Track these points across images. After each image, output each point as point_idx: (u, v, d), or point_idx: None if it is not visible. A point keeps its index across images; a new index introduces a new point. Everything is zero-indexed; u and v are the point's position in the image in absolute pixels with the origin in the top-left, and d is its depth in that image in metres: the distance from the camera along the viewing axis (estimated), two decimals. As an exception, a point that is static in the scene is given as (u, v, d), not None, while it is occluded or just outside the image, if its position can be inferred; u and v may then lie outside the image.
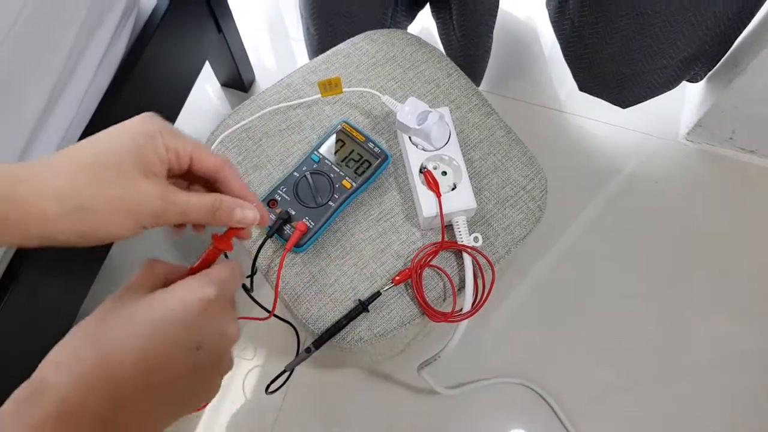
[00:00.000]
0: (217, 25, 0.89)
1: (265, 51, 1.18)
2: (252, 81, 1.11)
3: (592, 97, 1.00)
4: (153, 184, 0.34)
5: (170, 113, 0.85)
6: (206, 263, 0.39)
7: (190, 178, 0.39)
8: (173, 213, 0.35)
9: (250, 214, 0.39)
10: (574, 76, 0.99)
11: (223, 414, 0.90)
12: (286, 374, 0.62)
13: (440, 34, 1.01)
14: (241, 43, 1.00)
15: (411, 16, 1.03)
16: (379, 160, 0.62)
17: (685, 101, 1.08)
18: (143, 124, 0.35)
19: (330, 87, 0.60)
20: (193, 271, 0.38)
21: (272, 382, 0.60)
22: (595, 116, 1.10)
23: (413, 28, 1.06)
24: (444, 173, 0.61)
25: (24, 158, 0.62)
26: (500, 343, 0.94)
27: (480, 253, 0.59)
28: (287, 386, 0.91)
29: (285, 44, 1.20)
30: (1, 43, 0.56)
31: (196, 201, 0.36)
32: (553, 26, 0.99)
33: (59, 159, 0.32)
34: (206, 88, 1.12)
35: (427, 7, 1.02)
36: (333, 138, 0.63)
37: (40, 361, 0.29)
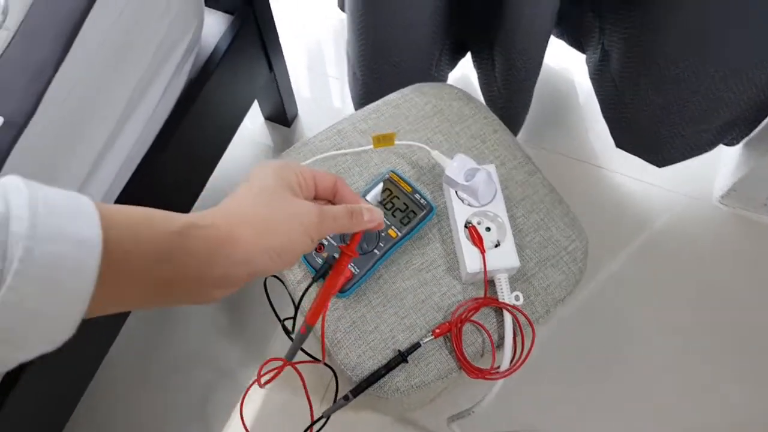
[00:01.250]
0: (269, 64, 0.92)
1: (304, 86, 1.21)
2: (295, 116, 1.14)
3: (627, 154, 1.01)
4: (304, 202, 0.39)
5: (220, 147, 0.88)
6: (339, 272, 0.47)
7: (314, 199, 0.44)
8: (328, 221, 0.40)
9: (376, 210, 0.44)
10: (612, 133, 1.00)
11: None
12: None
13: (481, 84, 1.03)
14: (289, 81, 1.03)
15: (453, 64, 1.05)
16: (425, 211, 0.64)
17: (721, 164, 1.09)
18: (272, 163, 0.40)
19: (384, 140, 0.62)
20: (328, 282, 0.47)
21: (309, 428, 0.61)
22: (629, 172, 1.11)
23: (453, 74, 1.09)
24: (488, 229, 0.62)
25: (85, 188, 0.64)
26: (526, 398, 0.94)
27: (521, 311, 0.60)
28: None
29: (324, 81, 1.23)
30: (78, 79, 0.59)
31: (338, 209, 0.41)
32: (593, 83, 1.01)
33: (230, 201, 0.37)
34: (248, 122, 1.15)
35: (468, 55, 1.05)
36: (380, 186, 0.65)
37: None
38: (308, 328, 0.48)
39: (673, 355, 0.97)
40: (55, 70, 0.55)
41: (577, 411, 0.94)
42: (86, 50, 0.58)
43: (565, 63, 1.22)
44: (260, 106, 1.10)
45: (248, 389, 0.59)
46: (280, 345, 0.98)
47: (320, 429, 0.62)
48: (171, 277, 0.32)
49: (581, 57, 1.06)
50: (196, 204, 0.88)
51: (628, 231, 1.06)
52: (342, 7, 1.18)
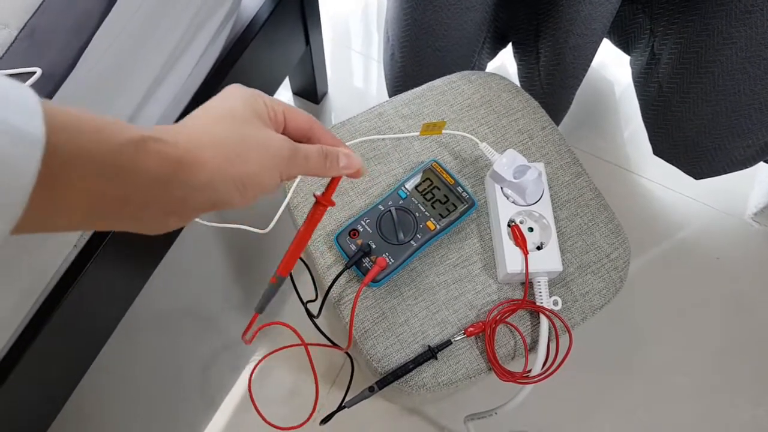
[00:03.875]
0: (306, 38, 0.89)
1: (335, 64, 1.18)
2: (324, 93, 1.11)
3: (662, 161, 0.99)
4: (274, 133, 0.35)
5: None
6: (312, 222, 0.43)
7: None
8: (299, 159, 0.36)
9: (355, 157, 0.40)
10: (651, 139, 0.97)
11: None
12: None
13: (521, 76, 1.00)
14: (323, 57, 1.00)
15: (493, 54, 1.02)
16: (466, 205, 0.61)
17: (756, 181, 1.06)
18: (241, 88, 0.36)
19: (433, 128, 0.59)
20: (302, 232, 0.43)
21: (329, 416, 0.59)
22: (660, 180, 1.08)
23: (489, 65, 1.05)
24: (531, 229, 0.60)
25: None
26: (541, 401, 0.92)
27: (558, 317, 0.58)
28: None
29: (354, 59, 1.20)
30: (117, 36, 0.56)
31: (312, 148, 0.37)
32: (636, 86, 0.98)
33: (192, 120, 0.33)
34: (276, 96, 1.12)
35: (509, 46, 1.02)
36: (420, 175, 0.63)
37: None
38: (279, 278, 0.45)
39: (690, 366, 0.95)
40: (98, 23, 0.53)
41: (589, 415, 0.92)
42: (128, 6, 0.55)
43: (606, 62, 1.18)
44: (290, 81, 1.07)
45: (254, 368, 0.57)
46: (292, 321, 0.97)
47: (332, 415, 0.60)
48: (119, 195, 0.28)
49: (624, 58, 1.03)
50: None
51: (655, 239, 1.04)
52: (382, -16, 1.15)
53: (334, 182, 0.43)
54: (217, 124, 0.33)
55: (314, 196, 0.43)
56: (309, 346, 0.59)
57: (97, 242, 0.65)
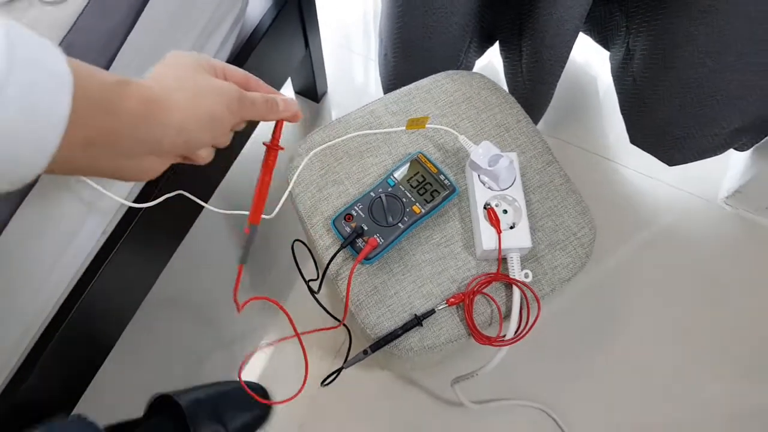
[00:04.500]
0: (305, 42, 0.97)
1: (333, 64, 1.25)
2: (324, 93, 1.19)
3: (640, 150, 1.06)
4: (223, 81, 0.42)
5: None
6: (267, 168, 0.51)
7: None
8: (247, 102, 0.43)
9: (291, 100, 0.48)
10: (628, 129, 1.05)
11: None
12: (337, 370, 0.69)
13: (506, 73, 1.07)
14: (322, 59, 1.08)
15: (481, 52, 1.09)
16: (448, 191, 0.69)
17: (729, 167, 1.13)
18: (183, 52, 0.43)
19: (417, 123, 0.67)
20: (261, 179, 0.51)
21: (328, 377, 0.67)
22: (639, 168, 1.15)
23: (479, 61, 1.13)
24: (505, 211, 0.68)
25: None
26: (526, 367, 1.01)
27: (529, 288, 0.66)
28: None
29: (352, 59, 1.27)
30: (138, 51, 0.64)
31: (256, 95, 0.44)
32: (614, 80, 1.05)
33: (155, 74, 0.40)
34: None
35: (497, 44, 1.09)
36: (407, 165, 0.70)
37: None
38: (252, 227, 0.52)
39: (665, 341, 1.03)
40: (124, 39, 0.61)
41: (571, 386, 1.00)
42: (148, 23, 0.63)
43: (589, 58, 1.25)
44: (292, 81, 1.15)
45: (246, 359, 0.64)
46: (300, 304, 1.05)
47: (333, 379, 0.69)
48: (109, 128, 0.33)
49: (605, 54, 1.10)
50: (231, 169, 0.94)
51: (634, 223, 1.11)
52: (377, -12, 1.22)
53: (278, 127, 0.50)
54: (178, 75, 0.39)
55: (264, 144, 0.50)
56: (307, 331, 0.67)
57: (117, 236, 0.73)
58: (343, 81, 1.24)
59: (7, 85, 0.27)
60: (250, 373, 1.02)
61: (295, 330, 0.66)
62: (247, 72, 0.46)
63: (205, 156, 0.44)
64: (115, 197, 0.66)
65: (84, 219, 0.66)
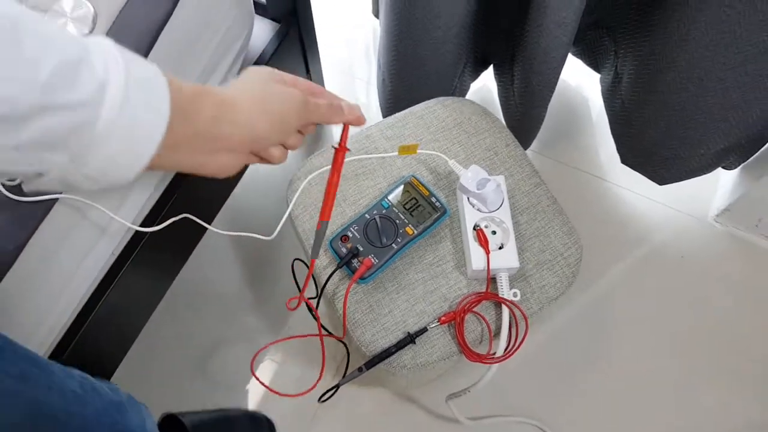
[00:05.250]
0: (306, 68, 1.01)
1: (334, 87, 1.29)
2: (324, 115, 1.23)
3: (630, 169, 1.09)
4: (290, 87, 0.48)
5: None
6: (337, 169, 0.57)
7: None
8: (311, 106, 0.48)
9: (354, 105, 0.53)
10: (618, 150, 1.08)
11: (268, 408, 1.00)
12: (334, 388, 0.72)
13: (500, 96, 1.11)
14: (323, 83, 1.12)
15: (475, 76, 1.13)
16: (439, 213, 0.72)
17: (719, 185, 1.16)
18: (258, 67, 0.49)
19: (408, 149, 0.70)
20: (331, 179, 0.58)
21: (326, 393, 0.70)
22: (631, 187, 1.18)
23: (474, 84, 1.16)
24: (494, 232, 0.71)
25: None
26: (522, 385, 1.03)
27: (517, 307, 0.68)
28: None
29: (352, 83, 1.31)
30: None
31: (321, 100, 0.50)
32: (605, 101, 1.09)
33: (232, 86, 0.46)
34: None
35: (491, 67, 1.13)
36: (401, 188, 0.74)
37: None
38: (323, 224, 0.58)
39: (658, 360, 1.05)
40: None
41: (566, 402, 1.02)
42: (161, 54, 0.67)
43: (580, 80, 1.29)
44: (294, 104, 1.20)
45: (257, 354, 0.67)
46: (299, 320, 1.08)
47: (331, 396, 0.71)
48: (191, 132, 0.39)
49: (596, 76, 1.13)
50: (240, 187, 0.97)
51: (627, 241, 1.14)
52: (376, 14, 1.27)
53: (344, 132, 0.56)
54: (248, 83, 0.46)
55: (332, 146, 0.56)
56: (311, 337, 0.71)
57: (129, 251, 0.77)
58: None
59: (126, 101, 0.33)
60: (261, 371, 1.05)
61: (320, 330, 0.70)
62: (312, 82, 0.52)
63: (278, 155, 0.49)
64: (123, 221, 0.70)
65: (95, 241, 0.70)
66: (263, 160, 0.49)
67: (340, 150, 0.56)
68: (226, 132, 0.42)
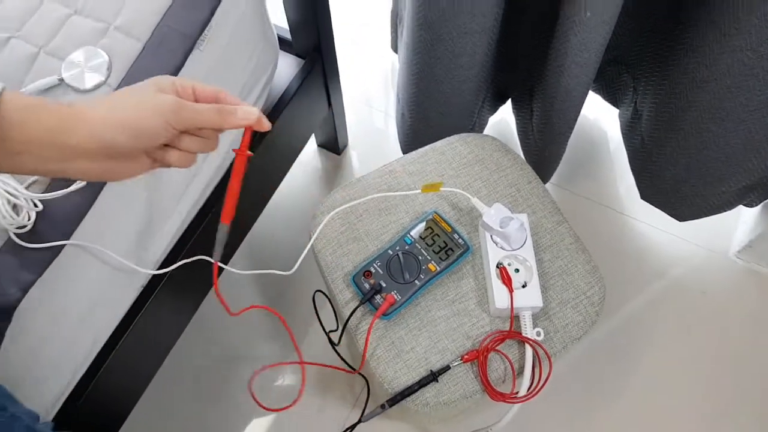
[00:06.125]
0: (328, 101, 1.03)
1: (354, 119, 1.31)
2: (345, 145, 1.25)
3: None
4: (167, 95, 0.47)
5: (283, 171, 0.99)
6: (237, 173, 0.54)
7: None
8: (188, 111, 0.47)
9: (251, 109, 0.51)
10: (638, 185, 1.08)
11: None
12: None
13: (518, 130, 1.12)
14: (344, 115, 1.13)
15: (493, 110, 1.15)
16: (462, 250, 0.73)
17: (740, 221, 1.15)
18: (158, 76, 0.49)
19: (431, 187, 0.71)
20: (231, 183, 0.54)
21: (348, 429, 0.70)
22: (651, 221, 1.18)
23: (493, 117, 1.18)
24: (517, 270, 0.71)
25: (174, 209, 0.75)
26: (540, 421, 1.01)
27: (540, 346, 0.68)
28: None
29: (372, 114, 1.33)
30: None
31: (203, 105, 0.49)
32: (624, 137, 1.09)
33: (100, 96, 0.47)
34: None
35: (509, 101, 1.14)
36: (423, 224, 0.74)
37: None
38: (222, 226, 0.56)
39: (678, 397, 1.04)
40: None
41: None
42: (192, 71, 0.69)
43: (598, 114, 1.30)
44: (315, 136, 1.21)
45: (254, 376, 0.67)
46: (315, 348, 1.07)
47: (352, 428, 0.71)
48: (29, 140, 0.42)
49: (614, 110, 1.14)
50: (260, 218, 0.99)
51: (646, 276, 1.13)
52: (395, 49, 1.29)
53: (245, 135, 0.54)
54: (110, 97, 0.47)
55: (233, 150, 0.54)
56: (328, 368, 0.71)
57: (151, 288, 0.78)
58: (364, 135, 1.29)
59: None
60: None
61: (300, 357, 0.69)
62: (220, 89, 0.51)
63: (174, 159, 0.50)
64: (136, 267, 0.70)
65: (109, 286, 0.71)
66: (156, 163, 0.50)
67: (240, 154, 0.54)
68: (72, 142, 0.44)
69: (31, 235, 0.59)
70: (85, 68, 0.64)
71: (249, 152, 0.54)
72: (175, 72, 0.68)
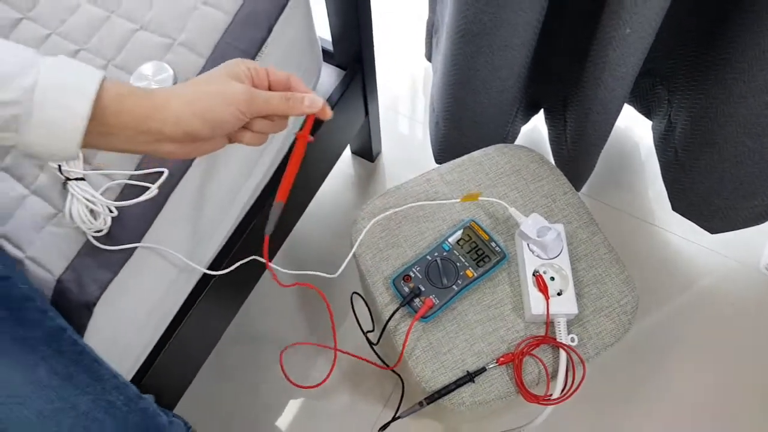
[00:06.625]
0: (366, 110, 1.06)
1: (387, 126, 1.35)
2: (378, 153, 1.28)
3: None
4: (241, 84, 0.52)
5: (321, 178, 1.03)
6: (297, 155, 0.58)
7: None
8: (259, 101, 0.52)
9: (317, 98, 0.55)
10: (669, 197, 1.09)
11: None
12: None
13: (551, 140, 1.14)
14: (379, 124, 1.17)
15: (526, 120, 1.17)
16: (499, 257, 0.75)
17: (771, 234, 1.16)
18: (234, 60, 0.54)
19: (470, 197, 0.74)
20: (291, 164, 0.59)
21: (386, 425, 0.73)
22: (680, 232, 1.19)
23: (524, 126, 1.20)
24: (552, 278, 0.74)
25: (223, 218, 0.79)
26: (566, 424, 1.03)
27: (575, 351, 0.71)
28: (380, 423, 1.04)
29: (405, 122, 1.37)
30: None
31: (272, 93, 0.53)
32: (657, 149, 1.11)
33: (181, 85, 0.52)
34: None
35: (542, 111, 1.17)
36: (461, 232, 0.77)
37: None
38: (277, 204, 0.60)
39: (702, 405, 1.05)
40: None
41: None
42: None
43: (629, 123, 1.31)
44: (350, 143, 1.25)
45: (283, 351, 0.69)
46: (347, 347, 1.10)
47: (385, 427, 0.74)
48: (119, 124, 0.47)
49: (645, 120, 1.16)
50: (299, 224, 1.02)
51: (674, 286, 1.14)
52: (428, 58, 1.32)
53: (308, 122, 0.58)
54: (188, 86, 0.51)
55: (295, 134, 0.58)
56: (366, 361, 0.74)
57: (198, 291, 0.83)
58: (397, 143, 1.33)
59: (46, 101, 0.44)
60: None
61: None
62: (290, 74, 0.56)
63: (247, 139, 0.55)
64: (196, 266, 0.75)
65: (170, 283, 0.75)
66: (236, 141, 0.55)
67: (301, 138, 0.57)
68: (156, 128, 0.49)
69: (107, 238, 0.64)
70: (152, 81, 0.69)
71: (311, 137, 0.58)
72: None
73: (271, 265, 0.66)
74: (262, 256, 0.82)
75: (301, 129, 0.59)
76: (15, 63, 0.45)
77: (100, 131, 0.47)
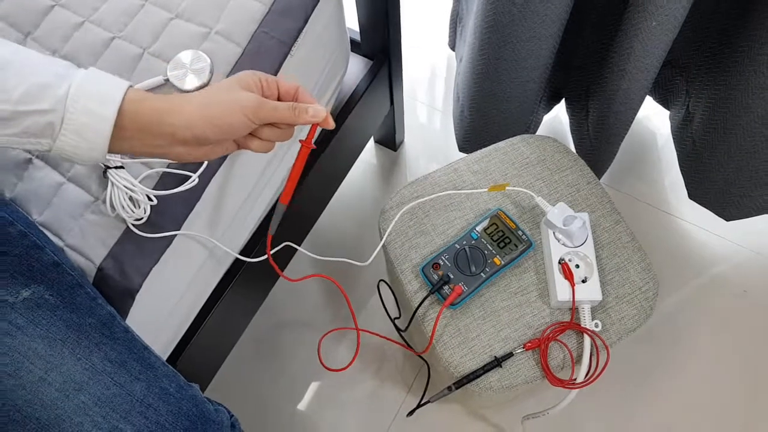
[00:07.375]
0: (391, 99, 1.08)
1: (410, 115, 1.36)
2: (401, 142, 1.30)
3: (697, 204, 1.12)
4: (251, 93, 0.55)
5: (347, 167, 1.05)
6: (300, 160, 0.61)
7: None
8: (266, 108, 0.55)
9: (320, 108, 0.58)
10: (686, 185, 1.11)
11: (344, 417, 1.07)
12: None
13: (572, 129, 1.16)
14: (403, 113, 1.19)
15: (548, 109, 1.18)
16: (525, 245, 0.78)
17: (786, 223, 1.18)
18: (244, 71, 0.56)
19: (498, 187, 0.76)
20: (294, 170, 0.62)
21: (415, 408, 0.76)
22: (696, 221, 1.21)
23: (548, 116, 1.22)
24: (577, 266, 0.76)
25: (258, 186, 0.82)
26: (588, 411, 1.07)
27: (599, 336, 0.73)
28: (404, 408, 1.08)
29: (427, 112, 1.38)
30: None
31: (280, 103, 0.56)
32: (674, 138, 1.12)
33: (189, 94, 0.56)
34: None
35: (563, 101, 1.18)
36: (488, 221, 0.80)
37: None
38: (280, 205, 0.64)
39: (715, 391, 1.08)
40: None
41: (623, 426, 1.06)
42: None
43: (649, 112, 1.33)
44: (373, 133, 1.27)
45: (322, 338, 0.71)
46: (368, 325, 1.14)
47: (414, 410, 0.77)
48: (137, 128, 0.50)
49: (664, 111, 1.17)
50: (324, 212, 1.05)
51: (688, 274, 1.17)
52: (452, 46, 1.33)
53: (311, 131, 0.62)
54: (201, 93, 0.54)
55: (299, 141, 0.62)
56: (392, 341, 0.77)
57: (230, 276, 0.86)
58: (419, 132, 1.34)
59: (77, 109, 0.48)
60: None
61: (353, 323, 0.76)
62: (298, 86, 0.59)
63: (255, 146, 0.58)
64: (231, 252, 0.77)
65: (206, 268, 0.78)
66: (244, 147, 0.58)
67: (304, 145, 0.61)
68: (168, 131, 0.51)
69: (147, 226, 0.66)
70: (189, 70, 0.70)
71: (313, 145, 0.62)
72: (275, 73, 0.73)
73: (273, 261, 0.70)
74: (293, 243, 0.85)
75: (306, 138, 0.62)
76: (51, 74, 0.48)
77: (118, 135, 0.50)
